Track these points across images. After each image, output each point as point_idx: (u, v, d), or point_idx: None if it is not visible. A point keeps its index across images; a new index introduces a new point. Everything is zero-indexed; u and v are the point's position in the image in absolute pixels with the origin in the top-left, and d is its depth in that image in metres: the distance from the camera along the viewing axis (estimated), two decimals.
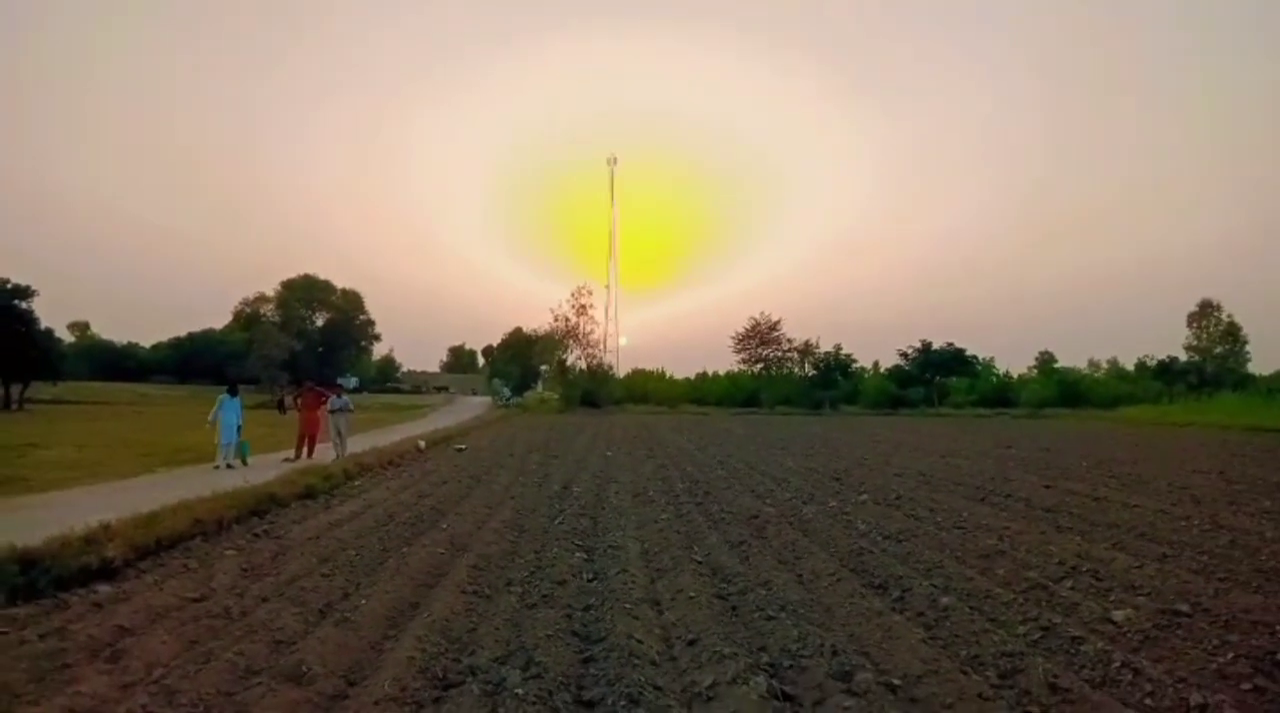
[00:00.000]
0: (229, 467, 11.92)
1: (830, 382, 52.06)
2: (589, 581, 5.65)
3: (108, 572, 5.44)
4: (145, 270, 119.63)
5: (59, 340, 42.49)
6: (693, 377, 63.62)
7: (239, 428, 12.51)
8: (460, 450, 16.92)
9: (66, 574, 5.15)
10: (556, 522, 8.03)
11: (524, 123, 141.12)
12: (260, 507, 8.29)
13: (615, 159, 58.75)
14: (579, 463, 14.49)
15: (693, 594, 5.06)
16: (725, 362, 69.57)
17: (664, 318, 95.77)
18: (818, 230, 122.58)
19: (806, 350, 53.32)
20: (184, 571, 5.72)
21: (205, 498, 7.71)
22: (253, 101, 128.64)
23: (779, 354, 54.09)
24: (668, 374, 62.61)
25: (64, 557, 5.26)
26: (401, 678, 3.63)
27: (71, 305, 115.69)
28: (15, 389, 36.19)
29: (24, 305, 36.27)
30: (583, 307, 51.77)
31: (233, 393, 12.79)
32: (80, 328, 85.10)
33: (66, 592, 5.00)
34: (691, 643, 4.14)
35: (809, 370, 53.42)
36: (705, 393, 55.98)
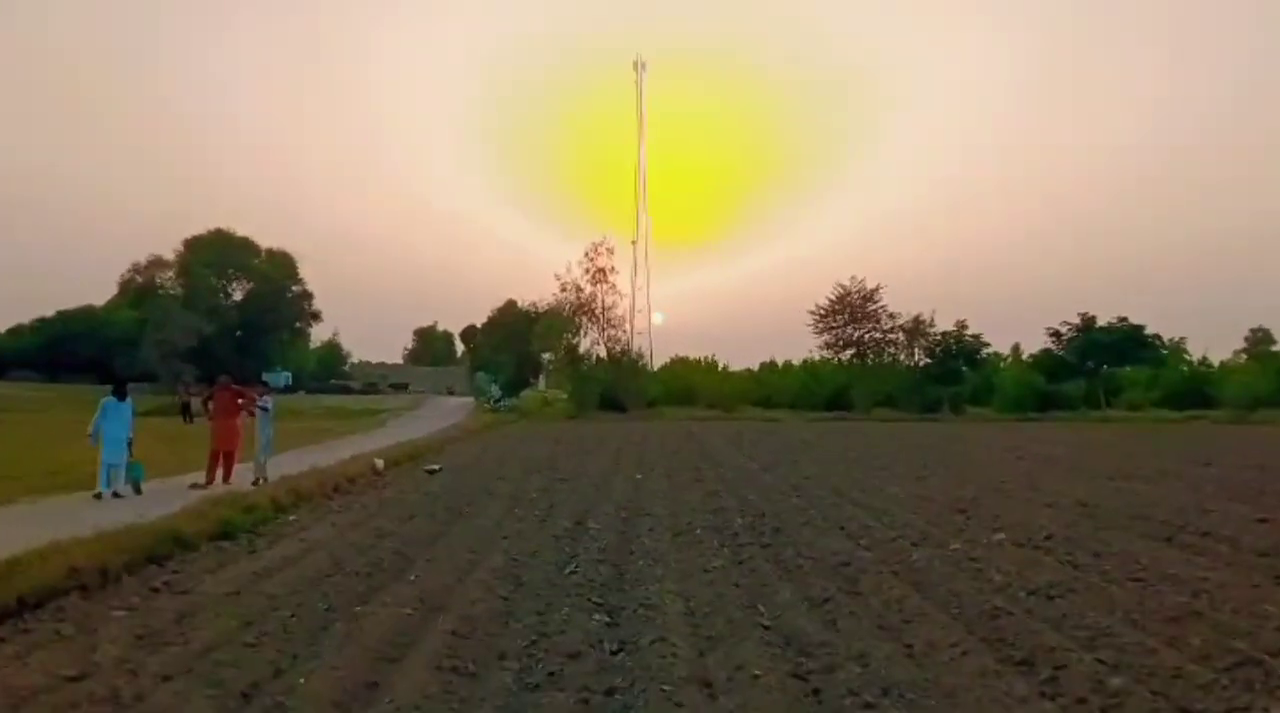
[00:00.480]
0: (116, 496, 12.21)
1: (951, 374, 51.56)
2: (612, 653, 5.67)
3: None
4: None
5: None
6: (755, 368, 63.60)
7: (129, 443, 12.75)
8: (433, 472, 17.11)
9: None
10: (566, 571, 8.08)
11: (518, 19, 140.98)
12: (160, 551, 8.44)
13: (643, 64, 58.70)
14: (598, 489, 14.58)
15: (758, 672, 5.05)
16: (801, 347, 69.51)
17: (713, 287, 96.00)
18: (930, 162, 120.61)
19: (916, 330, 52.87)
20: (56, 639, 5.83)
21: (84, 539, 7.85)
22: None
23: (878, 335, 53.77)
24: (720, 364, 62.70)
25: None
26: None
27: None
28: None
29: None
30: (601, 271, 51.83)
31: (120, 395, 13.05)
32: None
33: None
34: None
35: (920, 358, 52.94)
36: (773, 390, 55.87)
